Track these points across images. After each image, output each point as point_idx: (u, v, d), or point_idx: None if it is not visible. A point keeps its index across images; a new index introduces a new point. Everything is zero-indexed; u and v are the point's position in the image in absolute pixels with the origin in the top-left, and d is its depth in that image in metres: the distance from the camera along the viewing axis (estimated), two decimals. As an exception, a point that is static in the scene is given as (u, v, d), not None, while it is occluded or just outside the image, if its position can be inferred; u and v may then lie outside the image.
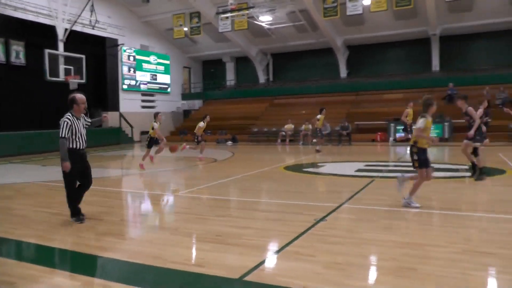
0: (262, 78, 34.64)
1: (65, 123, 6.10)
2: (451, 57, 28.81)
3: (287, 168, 12.73)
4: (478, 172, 9.46)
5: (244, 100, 32.22)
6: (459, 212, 6.74)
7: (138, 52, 30.62)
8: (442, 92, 25.74)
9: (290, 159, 16.15)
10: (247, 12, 25.98)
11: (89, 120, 6.68)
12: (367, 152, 18.09)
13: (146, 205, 8.01)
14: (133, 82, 30.13)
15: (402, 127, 18.17)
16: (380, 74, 30.08)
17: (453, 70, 28.07)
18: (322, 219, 6.12)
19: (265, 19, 27.76)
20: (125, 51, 29.10)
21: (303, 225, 5.73)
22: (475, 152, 9.63)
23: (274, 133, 25.80)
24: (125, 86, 29.29)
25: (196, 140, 15.49)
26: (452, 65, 28.56)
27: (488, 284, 3.99)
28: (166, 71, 33.21)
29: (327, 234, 5.41)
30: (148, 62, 31.41)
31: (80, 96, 6.33)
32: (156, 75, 32.22)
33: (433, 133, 21.96)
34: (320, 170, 12.27)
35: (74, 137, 6.15)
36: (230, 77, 36.41)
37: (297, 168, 12.84)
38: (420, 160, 6.92)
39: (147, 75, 31.40)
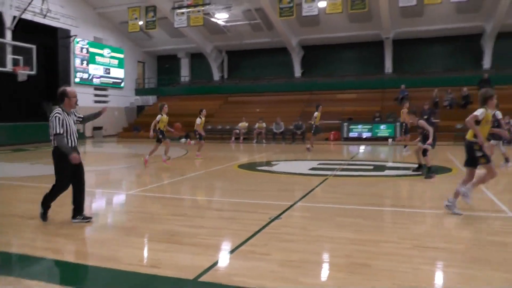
0: (216, 76, 34.50)
1: (56, 118, 5.67)
2: (403, 59, 29.80)
3: (241, 166, 12.70)
4: (427, 171, 9.91)
5: (198, 97, 31.85)
6: (410, 209, 6.93)
7: (92, 45, 29.71)
8: (394, 93, 26.59)
9: (244, 158, 16.14)
10: (203, 8, 25.78)
11: (81, 115, 6.22)
12: (321, 150, 18.35)
13: (98, 204, 7.77)
14: (85, 76, 29.20)
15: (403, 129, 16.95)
16: (334, 74, 30.67)
17: (405, 72, 29.08)
18: (277, 217, 6.11)
19: (221, 16, 27.65)
20: (77, 42, 28.14)
21: (258, 224, 5.70)
22: (424, 152, 10.04)
23: (228, 131, 25.72)
24: (77, 80, 28.31)
25: (198, 137, 15.64)
26: (404, 67, 29.58)
27: (436, 277, 4.13)
28: (120, 65, 32.43)
29: (281, 232, 5.41)
30: (101, 55, 30.55)
31: (71, 89, 5.93)
32: (109, 69, 31.40)
33: (385, 132, 22.66)
34: (274, 168, 12.32)
35: (65, 134, 5.73)
36: (185, 73, 36.03)
37: (251, 166, 12.84)
38: (487, 155, 6.29)
39: (101, 68, 30.55)
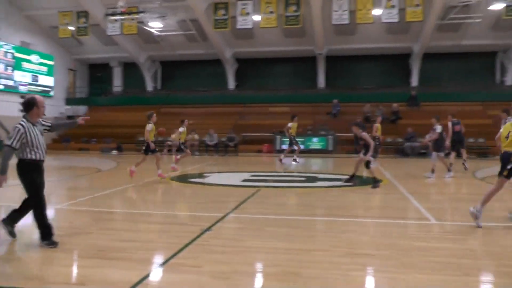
0: (150, 86, 33.73)
1: (17, 130, 5.10)
2: (336, 75, 30.81)
3: (174, 178, 12.47)
4: (372, 181, 10.34)
5: (131, 108, 30.96)
6: (342, 218, 7.10)
7: (18, 50, 27.93)
8: (326, 107, 27.46)
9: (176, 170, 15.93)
10: (137, 16, 25.19)
11: (49, 123, 5.64)
12: (253, 162, 18.53)
13: (23, 220, 7.31)
14: (10, 83, 27.39)
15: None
16: (268, 88, 31.05)
17: (337, 87, 30.07)
18: (208, 229, 6.03)
19: (155, 25, 27.16)
20: (1, 47, 26.38)
21: (189, 236, 5.57)
22: (367, 164, 10.51)
23: (160, 143, 25.21)
24: (1, 87, 26.59)
25: (182, 148, 15.00)
26: (337, 83, 30.57)
27: (366, 282, 4.28)
28: (49, 73, 30.70)
29: (212, 244, 5.34)
30: (29, 61, 28.78)
31: (40, 98, 5.36)
32: (38, 76, 29.65)
33: (318, 145, 23.29)
34: (206, 180, 12.23)
35: (32, 147, 5.19)
36: (117, 83, 34.90)
37: (183, 178, 12.64)
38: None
39: (28, 75, 28.77)
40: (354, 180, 10.83)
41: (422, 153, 20.94)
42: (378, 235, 5.96)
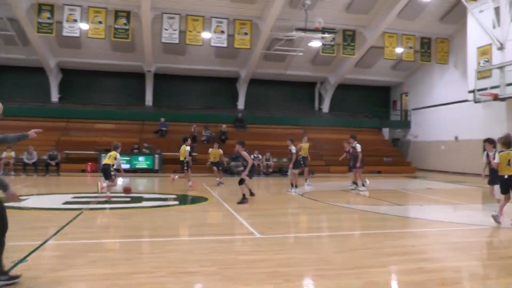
0: None
1: None
2: (164, 94, 30.68)
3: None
4: (242, 197, 11.12)
5: None
6: (167, 238, 7.05)
7: None
8: (153, 125, 27.26)
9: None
10: None
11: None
12: (76, 183, 17.46)
13: None
14: None
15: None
16: (94, 102, 29.33)
17: (165, 106, 29.98)
18: (22, 260, 5.40)
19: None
20: None
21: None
22: (240, 181, 11.22)
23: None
24: None
25: (185, 168, 14.85)
26: (165, 101, 30.45)
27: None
28: None
29: (26, 276, 4.72)
30: None
31: None
32: None
33: (144, 164, 22.95)
34: (23, 204, 10.90)
35: None
36: None
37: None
38: None
39: None
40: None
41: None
42: (203, 252, 6.06)
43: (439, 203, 10.82)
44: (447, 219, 9.70)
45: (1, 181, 4.73)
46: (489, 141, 9.66)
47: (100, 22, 23.30)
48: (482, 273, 5.34)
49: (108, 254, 5.87)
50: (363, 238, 7.52)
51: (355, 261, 5.68)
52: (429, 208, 10.23)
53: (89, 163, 22.74)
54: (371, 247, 6.60)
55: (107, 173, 11.81)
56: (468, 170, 24.06)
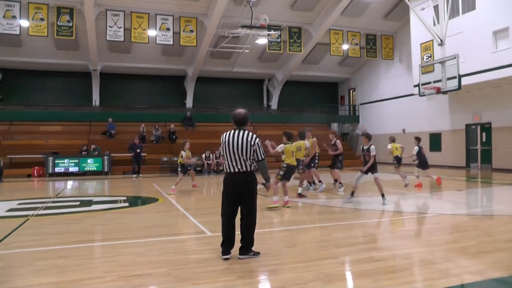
0: None
1: None
2: (111, 93, 30.03)
3: None
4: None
5: None
6: (118, 241, 6.90)
7: None
8: (101, 126, 26.59)
9: None
10: None
11: None
12: (21, 188, 16.77)
13: None
14: None
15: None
16: (38, 104, 28.22)
17: (112, 106, 29.27)
18: None
19: None
20: None
21: None
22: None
23: None
24: None
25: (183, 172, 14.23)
26: (112, 101, 29.77)
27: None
28: None
29: None
30: None
31: None
32: None
33: (93, 166, 22.39)
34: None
35: None
36: None
37: None
38: None
39: None
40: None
41: (198, 170, 21.88)
42: (154, 254, 6.00)
43: (388, 193, 11.18)
44: (395, 208, 10.07)
45: None
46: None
47: (42, 19, 22.39)
48: (430, 259, 5.57)
49: (57, 262, 5.68)
50: (314, 231, 7.68)
51: (306, 254, 5.83)
52: (378, 200, 10.55)
53: (36, 167, 21.88)
54: (322, 239, 6.77)
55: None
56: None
